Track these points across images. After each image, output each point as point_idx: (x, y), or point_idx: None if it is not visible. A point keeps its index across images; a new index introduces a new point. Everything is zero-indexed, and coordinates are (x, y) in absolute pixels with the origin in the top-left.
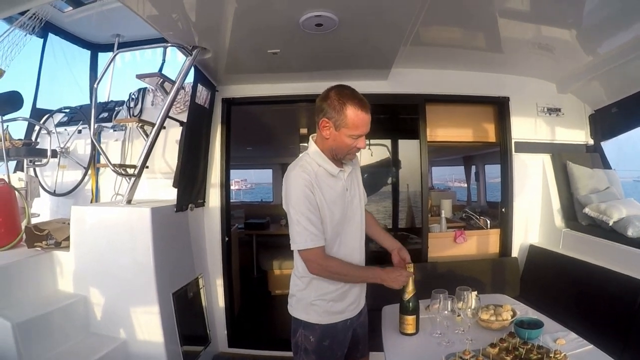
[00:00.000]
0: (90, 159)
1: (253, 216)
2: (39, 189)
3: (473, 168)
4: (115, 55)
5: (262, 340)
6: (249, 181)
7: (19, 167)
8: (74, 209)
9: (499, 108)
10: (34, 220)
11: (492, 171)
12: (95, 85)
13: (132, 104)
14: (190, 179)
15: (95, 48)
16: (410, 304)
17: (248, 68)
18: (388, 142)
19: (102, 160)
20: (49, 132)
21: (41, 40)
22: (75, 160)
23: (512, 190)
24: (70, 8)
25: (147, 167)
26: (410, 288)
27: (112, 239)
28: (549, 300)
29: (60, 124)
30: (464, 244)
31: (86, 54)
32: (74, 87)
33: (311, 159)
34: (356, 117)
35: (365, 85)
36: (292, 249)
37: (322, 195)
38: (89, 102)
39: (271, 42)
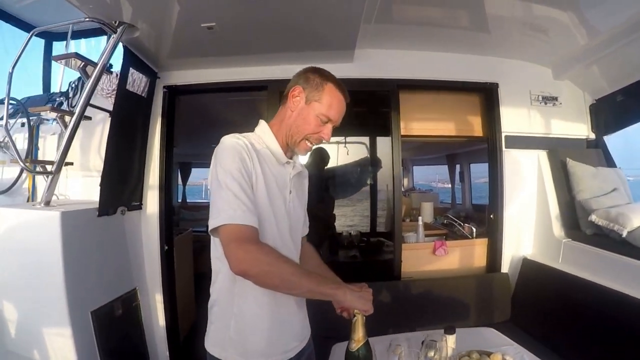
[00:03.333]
0: (27, 154)
1: None
2: None
3: (457, 167)
4: (30, 37)
5: None
6: None
7: None
8: None
9: (486, 96)
10: None
11: (479, 170)
12: (10, 70)
13: (71, 94)
14: (120, 178)
15: (50, 37)
16: (360, 354)
17: (191, 50)
18: (366, 139)
19: (39, 155)
20: None
21: None
22: (15, 156)
23: (503, 192)
24: None
25: (72, 163)
26: (359, 335)
27: (22, 247)
28: (545, 327)
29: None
30: (445, 257)
31: (40, 42)
32: (25, 78)
33: (257, 135)
34: (333, 96)
35: (328, 69)
36: (212, 226)
37: (263, 176)
38: (41, 93)
39: (204, 14)
